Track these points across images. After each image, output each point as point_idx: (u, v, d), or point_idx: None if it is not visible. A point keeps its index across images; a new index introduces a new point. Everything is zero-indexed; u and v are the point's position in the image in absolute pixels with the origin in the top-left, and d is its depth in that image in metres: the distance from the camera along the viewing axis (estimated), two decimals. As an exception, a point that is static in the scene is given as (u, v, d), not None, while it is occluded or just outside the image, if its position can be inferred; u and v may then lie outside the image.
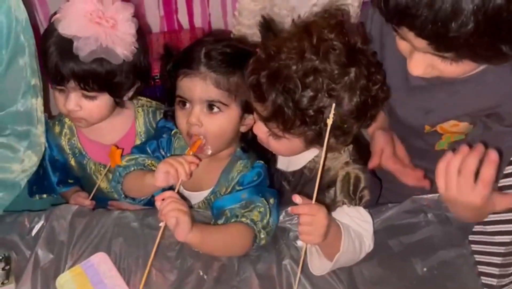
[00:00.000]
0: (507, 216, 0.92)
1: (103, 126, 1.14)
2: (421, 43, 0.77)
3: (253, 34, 1.31)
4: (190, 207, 0.95)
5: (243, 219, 0.96)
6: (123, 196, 1.06)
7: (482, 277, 0.96)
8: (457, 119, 0.96)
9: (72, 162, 1.19)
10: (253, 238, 0.96)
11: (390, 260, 0.97)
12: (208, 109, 0.97)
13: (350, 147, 1.02)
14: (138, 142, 1.16)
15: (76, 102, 1.04)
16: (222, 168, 1.06)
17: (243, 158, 1.06)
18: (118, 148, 1.10)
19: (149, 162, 1.06)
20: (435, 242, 0.97)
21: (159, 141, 1.10)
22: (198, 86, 0.96)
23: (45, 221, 1.03)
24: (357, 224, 0.96)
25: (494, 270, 0.94)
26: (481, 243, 0.99)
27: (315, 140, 0.92)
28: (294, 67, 0.87)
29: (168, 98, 1.07)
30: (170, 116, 1.08)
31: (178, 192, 0.94)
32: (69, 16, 0.98)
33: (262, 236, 0.97)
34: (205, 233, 0.92)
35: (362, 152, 1.05)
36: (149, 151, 1.09)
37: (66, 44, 0.98)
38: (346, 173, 0.99)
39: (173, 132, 1.10)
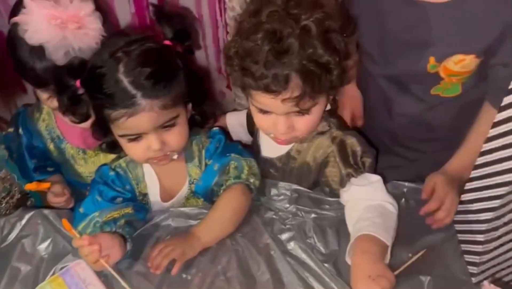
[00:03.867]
0: (487, 193, 0.92)
1: None
2: None
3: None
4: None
5: (229, 182, 1.00)
6: None
7: (465, 255, 0.96)
8: (464, 53, 0.94)
9: (51, 147, 1.20)
10: (247, 189, 1.01)
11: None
12: (164, 129, 0.94)
13: (334, 120, 1.03)
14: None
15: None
16: (183, 160, 1.05)
17: (193, 137, 1.04)
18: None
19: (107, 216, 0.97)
20: (418, 228, 0.97)
21: (110, 186, 1.02)
22: (146, 119, 0.90)
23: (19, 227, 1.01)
24: (371, 192, 0.98)
25: (477, 248, 0.95)
26: (465, 222, 0.99)
27: (339, 83, 0.93)
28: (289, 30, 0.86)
29: (98, 129, 0.99)
30: (109, 147, 1.01)
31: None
32: (32, 25, 0.94)
33: (252, 180, 1.02)
34: (210, 229, 0.97)
35: (345, 123, 1.07)
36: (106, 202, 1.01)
37: (39, 52, 0.96)
38: (340, 141, 1.00)
39: (113, 166, 1.04)
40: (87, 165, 1.20)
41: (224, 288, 0.92)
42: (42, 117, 1.18)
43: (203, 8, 1.32)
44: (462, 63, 0.96)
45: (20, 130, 1.19)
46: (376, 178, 1.00)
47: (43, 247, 0.99)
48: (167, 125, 0.93)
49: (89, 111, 0.95)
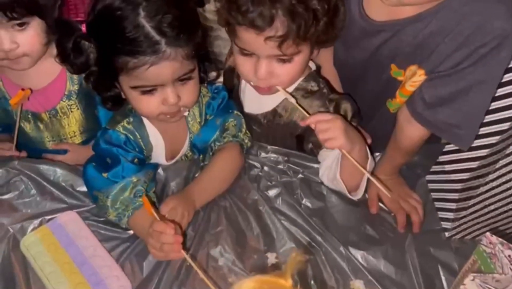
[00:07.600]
0: (465, 155, 0.98)
1: (30, 68, 1.02)
2: None
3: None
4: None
5: (226, 140, 1.01)
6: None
7: (438, 212, 1.03)
8: (419, 64, 0.93)
9: None
10: (241, 148, 1.03)
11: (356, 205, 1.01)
12: (180, 82, 0.90)
13: (323, 81, 1.03)
14: (70, 87, 1.06)
15: (10, 39, 0.94)
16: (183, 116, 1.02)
17: None
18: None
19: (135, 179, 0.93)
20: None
21: (125, 149, 0.96)
22: (169, 69, 0.86)
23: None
24: None
25: (451, 205, 1.01)
26: (439, 182, 1.04)
27: (324, 37, 0.93)
28: None
29: (102, 82, 0.94)
30: (113, 102, 0.96)
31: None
32: None
33: (246, 140, 1.05)
34: (206, 189, 0.96)
35: (332, 86, 1.08)
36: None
37: None
38: (336, 104, 1.00)
39: (120, 134, 0.97)
40: (38, 129, 1.12)
41: (214, 242, 0.93)
42: None
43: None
44: (415, 77, 0.94)
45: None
46: None
47: (26, 202, 0.96)
48: (184, 78, 0.90)
49: (88, 61, 0.90)
